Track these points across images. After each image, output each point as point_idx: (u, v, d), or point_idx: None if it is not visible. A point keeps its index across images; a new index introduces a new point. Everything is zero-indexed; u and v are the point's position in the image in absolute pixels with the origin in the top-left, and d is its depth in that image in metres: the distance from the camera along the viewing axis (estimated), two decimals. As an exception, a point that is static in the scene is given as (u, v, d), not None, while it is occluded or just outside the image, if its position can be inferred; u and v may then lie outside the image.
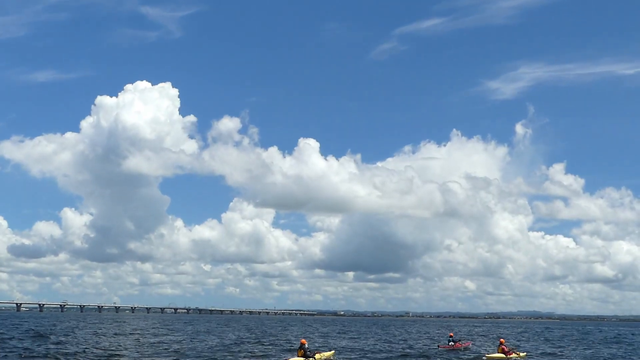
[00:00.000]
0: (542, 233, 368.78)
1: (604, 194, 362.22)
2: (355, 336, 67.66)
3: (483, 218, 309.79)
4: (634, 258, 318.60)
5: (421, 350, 44.38)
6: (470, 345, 51.53)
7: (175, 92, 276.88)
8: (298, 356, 34.19)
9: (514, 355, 38.66)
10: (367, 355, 37.50)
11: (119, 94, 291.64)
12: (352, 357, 36.59)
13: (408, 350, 43.30)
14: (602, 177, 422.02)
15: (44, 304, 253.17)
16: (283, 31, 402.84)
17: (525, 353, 41.71)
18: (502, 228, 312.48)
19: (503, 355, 37.80)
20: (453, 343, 48.42)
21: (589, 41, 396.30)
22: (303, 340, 35.44)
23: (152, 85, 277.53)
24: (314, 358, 34.37)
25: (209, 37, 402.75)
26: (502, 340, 41.23)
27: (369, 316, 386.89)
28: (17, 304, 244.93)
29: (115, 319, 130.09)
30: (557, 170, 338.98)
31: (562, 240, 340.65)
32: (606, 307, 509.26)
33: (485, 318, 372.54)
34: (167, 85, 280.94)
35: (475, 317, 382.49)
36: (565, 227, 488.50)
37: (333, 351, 37.37)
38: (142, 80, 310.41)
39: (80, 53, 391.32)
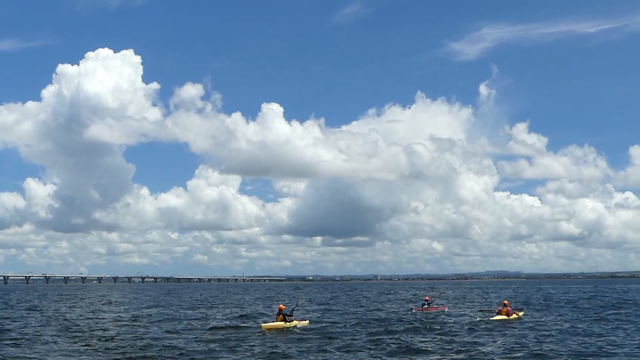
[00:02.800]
0: (508, 193, 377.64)
1: (567, 152, 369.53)
2: (328, 302, 67.17)
3: (449, 179, 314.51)
4: (599, 215, 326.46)
5: (398, 315, 43.82)
6: (446, 310, 50.06)
7: (138, 59, 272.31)
8: (278, 320, 33.79)
9: (514, 315, 39.10)
10: (343, 323, 36.81)
11: (80, 62, 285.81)
12: (327, 325, 35.79)
13: (384, 316, 42.66)
14: (564, 135, 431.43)
15: (8, 276, 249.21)
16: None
17: (522, 312, 42.01)
18: (467, 189, 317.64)
19: (506, 317, 38.14)
20: (427, 306, 47.89)
21: (551, 0, 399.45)
22: (281, 306, 34.97)
23: (115, 52, 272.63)
24: (294, 322, 34.02)
25: (171, 3, 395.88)
26: (505, 302, 41.19)
27: (337, 280, 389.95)
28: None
29: (61, 291, 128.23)
30: (520, 129, 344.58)
31: (528, 199, 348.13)
32: (572, 264, 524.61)
33: (453, 279, 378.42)
34: (130, 52, 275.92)
35: (443, 279, 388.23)
36: (530, 186, 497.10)
37: (307, 321, 36.68)
38: (104, 47, 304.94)
39: (42, 21, 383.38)
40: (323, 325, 35.86)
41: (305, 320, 36.68)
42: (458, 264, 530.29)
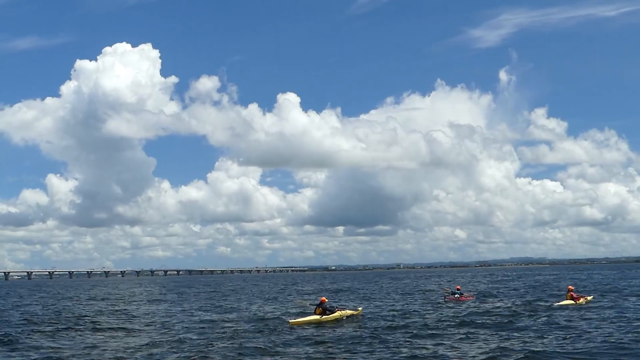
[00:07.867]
0: (529, 179, 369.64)
1: (587, 136, 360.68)
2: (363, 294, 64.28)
3: (469, 166, 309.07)
4: (622, 200, 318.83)
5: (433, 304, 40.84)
6: (474, 299, 47.86)
7: (156, 53, 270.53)
8: (316, 313, 30.77)
9: (582, 300, 37.51)
10: (395, 313, 33.73)
11: (98, 57, 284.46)
12: (383, 314, 32.66)
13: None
14: (584, 120, 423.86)
15: (32, 272, 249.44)
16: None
17: (591, 297, 40.27)
18: (489, 176, 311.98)
19: (573, 302, 36.70)
20: (459, 296, 45.54)
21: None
22: (323, 299, 31.93)
23: (132, 47, 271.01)
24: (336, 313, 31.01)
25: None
26: (570, 287, 39.64)
27: (360, 269, 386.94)
28: (4, 272, 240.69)
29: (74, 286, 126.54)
30: (539, 114, 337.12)
31: (549, 184, 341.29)
32: (597, 249, 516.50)
33: (476, 266, 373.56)
34: (148, 46, 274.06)
35: (466, 266, 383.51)
36: (551, 172, 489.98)
37: (360, 309, 33.68)
38: (122, 42, 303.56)
39: (59, 18, 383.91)
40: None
41: (357, 308, 33.79)
42: (482, 252, 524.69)
